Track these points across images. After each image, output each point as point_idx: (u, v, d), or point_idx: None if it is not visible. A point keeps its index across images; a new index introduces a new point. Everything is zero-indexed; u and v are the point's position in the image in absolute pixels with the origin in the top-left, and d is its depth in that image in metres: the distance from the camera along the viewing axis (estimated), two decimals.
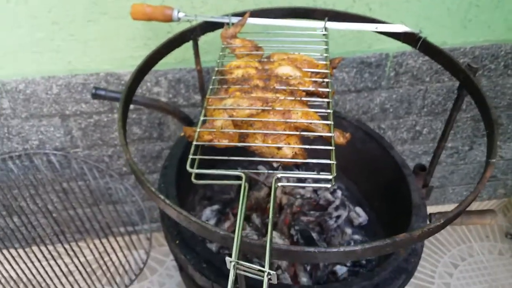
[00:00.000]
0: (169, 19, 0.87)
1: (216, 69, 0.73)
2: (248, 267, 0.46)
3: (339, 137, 0.60)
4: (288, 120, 0.62)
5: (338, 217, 1.05)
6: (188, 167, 0.56)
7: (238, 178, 0.56)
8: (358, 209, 1.08)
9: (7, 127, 1.18)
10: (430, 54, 0.81)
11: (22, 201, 1.35)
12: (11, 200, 1.33)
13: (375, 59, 1.23)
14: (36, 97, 1.13)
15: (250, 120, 0.63)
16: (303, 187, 1.12)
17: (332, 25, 0.84)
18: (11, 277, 1.42)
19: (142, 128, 1.27)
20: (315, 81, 0.69)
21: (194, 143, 0.60)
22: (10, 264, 1.35)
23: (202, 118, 0.64)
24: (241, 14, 0.87)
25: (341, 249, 0.48)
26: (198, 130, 0.62)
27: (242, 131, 0.61)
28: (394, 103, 1.37)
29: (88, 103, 1.17)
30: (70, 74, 1.11)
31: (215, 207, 1.06)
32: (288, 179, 1.10)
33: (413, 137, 1.51)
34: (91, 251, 1.44)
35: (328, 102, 0.65)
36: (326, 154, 0.59)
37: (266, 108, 0.64)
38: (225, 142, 0.61)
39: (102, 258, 1.43)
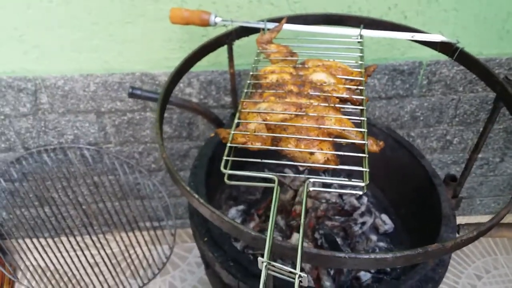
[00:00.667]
0: (206, 24, 0.89)
1: (251, 73, 0.75)
2: (279, 268, 0.47)
3: (373, 145, 0.61)
4: (321, 126, 0.62)
5: (363, 223, 1.04)
6: (222, 168, 0.58)
7: (269, 180, 0.57)
8: (384, 217, 1.07)
9: (44, 121, 1.23)
10: (466, 65, 0.80)
11: (54, 193, 1.40)
12: (44, 191, 1.38)
13: (407, 67, 1.22)
14: (73, 94, 1.18)
15: (284, 124, 0.64)
16: (328, 192, 1.12)
17: (367, 32, 0.85)
18: (39, 265, 1.47)
19: (172, 127, 1.29)
20: (349, 88, 0.70)
21: (229, 144, 0.61)
22: (39, 253, 1.41)
23: (236, 120, 0.65)
24: (277, 20, 0.88)
25: (372, 256, 0.49)
26: (232, 132, 0.63)
27: (275, 135, 0.62)
28: (425, 111, 1.35)
29: (123, 101, 1.21)
30: (107, 73, 1.15)
31: (241, 207, 1.08)
32: (314, 184, 1.11)
33: (443, 146, 1.48)
34: (117, 243, 1.48)
35: (361, 110, 0.66)
36: (353, 161, 0.59)
37: (300, 113, 0.65)
38: (258, 145, 0.62)
39: (128, 251, 1.47)
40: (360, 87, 0.70)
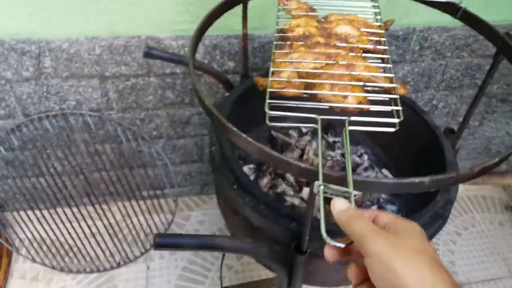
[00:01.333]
0: None
1: (277, 27, 0.78)
2: (335, 189, 0.52)
3: (400, 88, 0.66)
4: (352, 73, 0.67)
5: (367, 177, 1.11)
6: (266, 109, 0.62)
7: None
8: (385, 171, 1.15)
9: (46, 86, 1.22)
10: (469, 23, 0.86)
11: (54, 161, 1.39)
12: (45, 160, 1.37)
13: (402, 33, 1.29)
14: (78, 57, 1.17)
15: (316, 72, 0.68)
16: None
17: None
18: (40, 235, 1.47)
19: (175, 93, 1.31)
20: (372, 40, 0.75)
21: (269, 89, 0.65)
22: (39, 223, 1.40)
23: (272, 69, 0.69)
24: None
25: (412, 180, 0.55)
26: (270, 79, 0.67)
27: (311, 81, 0.67)
28: (416, 77, 1.43)
29: (127, 65, 1.21)
30: (113, 36, 1.15)
31: (251, 166, 1.12)
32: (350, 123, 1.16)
33: (429, 111, 1.58)
34: (119, 211, 1.50)
35: (388, 58, 0.71)
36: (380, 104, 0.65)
37: (330, 62, 0.70)
38: (293, 91, 0.66)
39: (130, 218, 1.48)
40: (382, 39, 0.75)
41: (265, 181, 1.06)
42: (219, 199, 0.98)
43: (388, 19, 0.82)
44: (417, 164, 1.05)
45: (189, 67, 0.71)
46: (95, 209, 1.44)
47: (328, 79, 0.67)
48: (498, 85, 1.56)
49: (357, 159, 1.17)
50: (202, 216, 1.71)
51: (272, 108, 0.64)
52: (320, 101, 0.68)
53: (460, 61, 1.43)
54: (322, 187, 0.52)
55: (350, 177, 0.53)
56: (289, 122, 1.03)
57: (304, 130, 1.22)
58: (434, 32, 1.32)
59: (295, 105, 0.67)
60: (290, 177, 1.10)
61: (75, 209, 1.49)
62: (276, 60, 0.71)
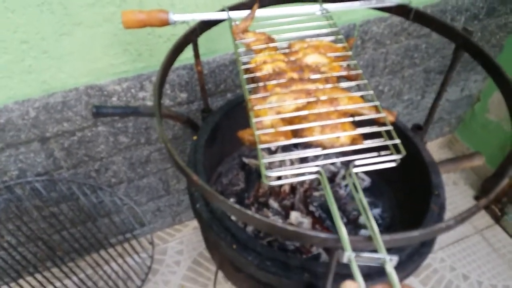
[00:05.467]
0: (165, 23, 0.84)
1: (242, 67, 0.73)
2: (367, 258, 0.49)
3: (388, 116, 0.65)
4: (338, 108, 0.64)
5: (346, 185, 1.11)
6: (265, 173, 0.57)
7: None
8: (361, 174, 1.15)
9: None
10: (423, 22, 0.87)
11: (6, 235, 1.24)
12: None
13: (344, 30, 1.28)
14: (11, 125, 1.03)
15: (300, 114, 0.64)
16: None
17: (330, 6, 0.87)
18: None
19: (129, 136, 1.21)
20: (342, 65, 0.72)
21: (260, 146, 0.61)
22: None
23: (254, 120, 0.64)
24: (238, 7, 0.86)
25: (438, 226, 0.54)
26: (257, 133, 0.62)
27: (299, 126, 0.63)
28: (361, 69, 1.44)
29: (70, 121, 1.09)
30: (47, 94, 1.03)
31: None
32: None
33: (377, 96, 1.61)
34: (89, 265, 1.38)
35: (365, 84, 0.69)
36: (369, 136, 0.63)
37: (311, 99, 0.66)
38: (285, 140, 0.62)
39: (101, 268, 1.37)
40: (352, 62, 0.73)
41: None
42: (214, 254, 0.92)
43: (349, 38, 0.80)
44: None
45: (157, 126, 0.64)
46: (61, 270, 1.31)
47: (315, 120, 0.64)
48: (434, 59, 1.63)
49: (332, 168, 1.16)
50: (179, 245, 1.64)
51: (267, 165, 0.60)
52: (310, 146, 0.65)
53: (398, 45, 1.46)
54: (353, 256, 0.49)
55: (379, 240, 0.50)
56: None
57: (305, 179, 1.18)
58: (373, 24, 1.33)
59: (288, 156, 0.63)
60: (273, 203, 1.07)
61: (38, 276, 1.35)
62: (255, 107, 0.66)
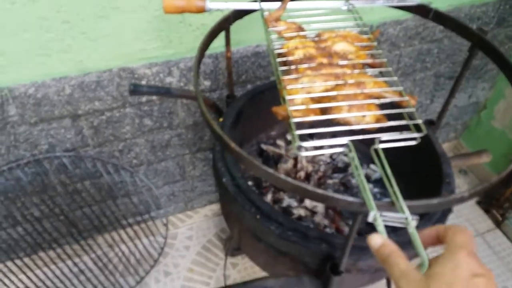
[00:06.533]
0: (201, 10, 0.90)
1: (276, 52, 0.79)
2: (391, 217, 0.55)
3: (410, 100, 0.71)
4: (364, 91, 0.71)
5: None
6: (298, 143, 0.63)
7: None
8: (373, 166, 1.21)
9: (13, 135, 1.13)
10: (441, 22, 0.93)
11: (31, 208, 1.30)
12: (22, 209, 1.27)
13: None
14: (47, 100, 1.09)
15: (329, 95, 0.70)
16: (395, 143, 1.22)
17: (357, 3, 0.94)
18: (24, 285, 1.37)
19: (153, 119, 1.27)
20: (368, 54, 0.79)
21: (293, 120, 0.67)
22: (17, 277, 1.31)
23: (287, 97, 0.70)
24: None
25: (454, 196, 0.59)
26: (290, 109, 0.68)
27: (330, 104, 0.69)
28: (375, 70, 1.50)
29: (101, 100, 1.16)
30: (83, 73, 1.09)
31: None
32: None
33: None
34: (106, 242, 1.44)
35: (390, 71, 0.75)
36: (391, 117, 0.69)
37: (340, 82, 0.72)
38: (314, 117, 0.68)
39: (118, 246, 1.43)
40: (378, 51, 0.79)
41: (269, 197, 1.08)
42: (235, 227, 0.98)
43: (374, 30, 0.86)
44: (403, 158, 1.12)
45: (198, 102, 0.70)
46: (80, 245, 1.36)
47: (343, 100, 0.70)
48: (445, 65, 1.69)
49: (346, 159, 1.22)
50: (189, 231, 1.70)
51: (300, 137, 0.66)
52: (338, 123, 0.70)
53: (412, 49, 1.53)
54: (378, 215, 0.55)
55: (402, 203, 0.56)
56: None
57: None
58: (389, 26, 1.39)
59: (317, 131, 0.69)
60: None
61: (59, 250, 1.41)
62: (288, 87, 0.72)
